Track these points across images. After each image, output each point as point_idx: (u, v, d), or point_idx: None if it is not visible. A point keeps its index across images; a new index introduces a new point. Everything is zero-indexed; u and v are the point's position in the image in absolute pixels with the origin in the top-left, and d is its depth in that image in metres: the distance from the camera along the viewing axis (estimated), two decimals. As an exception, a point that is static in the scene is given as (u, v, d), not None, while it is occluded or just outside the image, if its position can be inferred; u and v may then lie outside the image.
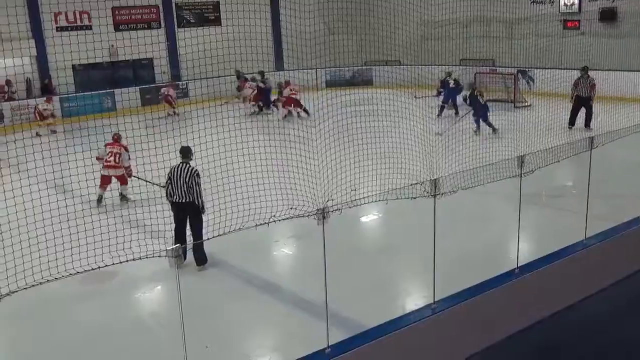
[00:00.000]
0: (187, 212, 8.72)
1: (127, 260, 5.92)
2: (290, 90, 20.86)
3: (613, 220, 9.25)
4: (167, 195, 8.90)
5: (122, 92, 21.51)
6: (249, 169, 8.93)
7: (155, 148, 8.49)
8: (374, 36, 13.72)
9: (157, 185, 10.18)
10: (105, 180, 11.98)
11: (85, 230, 7.20)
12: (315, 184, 7.73)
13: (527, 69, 23.67)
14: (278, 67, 25.38)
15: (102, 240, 6.93)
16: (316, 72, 24.21)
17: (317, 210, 6.16)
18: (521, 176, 7.68)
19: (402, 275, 8.72)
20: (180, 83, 24.74)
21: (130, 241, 6.98)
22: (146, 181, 10.39)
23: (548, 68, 22.06)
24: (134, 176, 11.56)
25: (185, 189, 8.67)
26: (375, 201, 7.39)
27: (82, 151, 8.83)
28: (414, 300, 7.59)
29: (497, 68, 24.55)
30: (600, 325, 7.62)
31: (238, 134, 9.09)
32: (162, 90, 22.55)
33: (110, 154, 12.08)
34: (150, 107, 21.92)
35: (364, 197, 7.16)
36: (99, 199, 11.78)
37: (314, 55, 10.91)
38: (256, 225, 6.42)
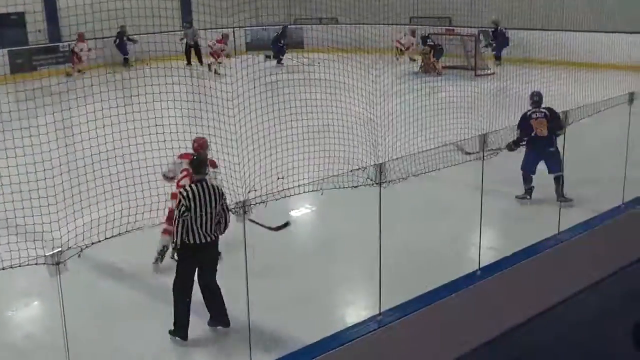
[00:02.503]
0: (208, 256, 7.14)
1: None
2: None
3: (592, 210, 9.57)
4: (180, 235, 6.95)
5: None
6: (148, 148, 8.76)
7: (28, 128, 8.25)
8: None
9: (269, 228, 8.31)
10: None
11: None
12: (233, 170, 7.70)
13: (490, 30, 24.13)
14: (186, 26, 25.06)
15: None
16: (234, 32, 24.03)
17: (236, 203, 6.14)
18: (483, 159, 7.83)
19: (341, 281, 8.78)
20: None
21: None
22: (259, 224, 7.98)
23: (515, 28, 22.58)
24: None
25: (212, 223, 6.96)
26: (308, 191, 7.42)
27: None
28: (356, 311, 7.67)
29: (455, 28, 24.94)
30: (579, 332, 7.87)
31: (137, 108, 8.94)
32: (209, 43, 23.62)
33: (185, 175, 8.53)
34: (23, 75, 21.30)
35: (293, 187, 7.18)
36: (161, 255, 8.74)
37: (231, 10, 10.81)
38: (153, 225, 6.36)
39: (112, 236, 6.66)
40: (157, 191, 7.84)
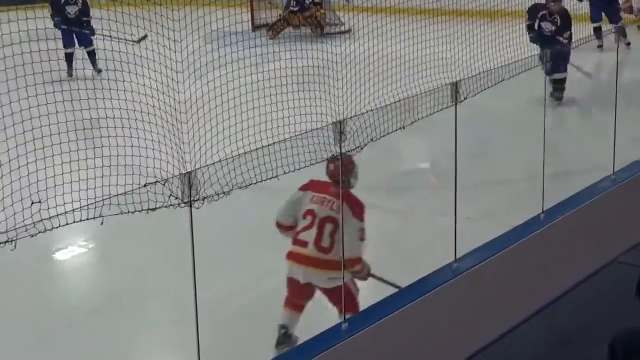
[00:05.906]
0: None
1: None
2: None
3: (488, 230, 9.84)
4: None
5: None
6: None
7: None
8: None
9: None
10: (298, 294, 8.42)
11: None
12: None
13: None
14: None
15: None
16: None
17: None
18: (342, 158, 7.93)
19: (140, 352, 8.82)
20: None
21: None
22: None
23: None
24: (373, 276, 8.61)
25: None
26: (81, 220, 7.24)
27: None
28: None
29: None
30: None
31: None
32: None
33: (309, 221, 8.49)
34: None
35: (57, 215, 6.99)
36: (283, 334, 8.14)
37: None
38: None
39: None
40: None
